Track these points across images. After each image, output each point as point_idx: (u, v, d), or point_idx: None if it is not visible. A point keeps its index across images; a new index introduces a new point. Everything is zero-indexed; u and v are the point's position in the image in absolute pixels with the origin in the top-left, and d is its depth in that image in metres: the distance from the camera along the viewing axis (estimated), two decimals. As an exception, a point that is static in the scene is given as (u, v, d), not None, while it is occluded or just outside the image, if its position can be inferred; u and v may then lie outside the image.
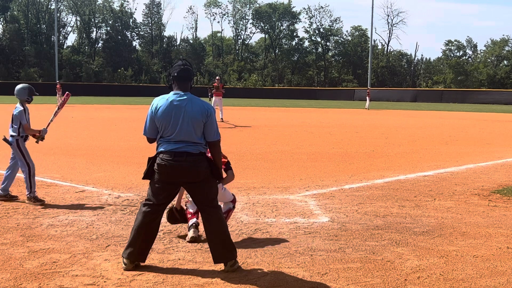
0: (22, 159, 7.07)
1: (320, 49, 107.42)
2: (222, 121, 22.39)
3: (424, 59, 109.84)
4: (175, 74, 4.58)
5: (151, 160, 4.58)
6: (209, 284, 4.23)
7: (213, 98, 23.94)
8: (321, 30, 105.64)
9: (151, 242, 4.63)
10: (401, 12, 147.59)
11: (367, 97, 44.07)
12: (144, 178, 4.67)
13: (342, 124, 24.62)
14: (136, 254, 4.50)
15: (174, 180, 4.56)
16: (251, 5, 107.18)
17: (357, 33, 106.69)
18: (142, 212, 4.58)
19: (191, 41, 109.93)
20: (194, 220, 5.46)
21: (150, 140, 4.69)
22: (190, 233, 5.37)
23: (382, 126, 23.15)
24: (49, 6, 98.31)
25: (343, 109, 42.94)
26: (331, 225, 6.10)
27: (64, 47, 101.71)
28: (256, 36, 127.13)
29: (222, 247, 4.50)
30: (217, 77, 24.99)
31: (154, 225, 4.61)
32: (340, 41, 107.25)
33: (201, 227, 5.79)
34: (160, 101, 4.57)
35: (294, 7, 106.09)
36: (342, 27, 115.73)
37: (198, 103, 4.54)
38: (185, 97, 4.54)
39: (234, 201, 5.72)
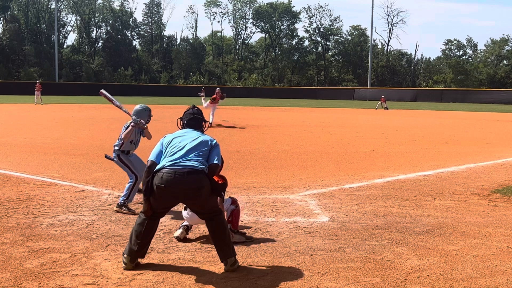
0: (128, 171, 6.79)
1: (320, 49, 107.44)
2: (211, 126, 21.79)
3: (424, 59, 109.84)
4: (185, 122, 5.08)
5: (150, 179, 4.53)
6: (209, 284, 4.23)
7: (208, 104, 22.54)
8: (321, 29, 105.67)
9: (150, 241, 4.69)
10: (401, 12, 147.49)
11: (382, 102, 43.70)
12: (145, 195, 4.60)
13: (342, 124, 24.62)
14: (136, 252, 4.55)
15: (174, 196, 4.57)
16: (251, 5, 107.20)
17: (356, 32, 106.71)
18: (143, 218, 4.63)
19: (191, 41, 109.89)
20: (186, 222, 5.49)
21: (152, 165, 4.64)
22: (177, 233, 5.44)
23: (382, 126, 23.15)
24: (49, 6, 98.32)
25: (343, 108, 42.94)
26: (331, 224, 6.10)
27: (64, 46, 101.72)
28: (256, 36, 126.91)
29: (226, 245, 4.59)
30: (217, 89, 24.12)
31: (153, 226, 4.68)
32: (340, 40, 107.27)
33: (196, 227, 5.79)
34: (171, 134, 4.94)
35: (294, 6, 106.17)
36: (342, 26, 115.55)
37: (205, 134, 4.98)
38: (195, 130, 4.99)
39: (233, 202, 5.67)
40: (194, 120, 5.05)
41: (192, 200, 4.60)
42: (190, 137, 4.80)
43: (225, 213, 5.49)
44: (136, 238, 4.56)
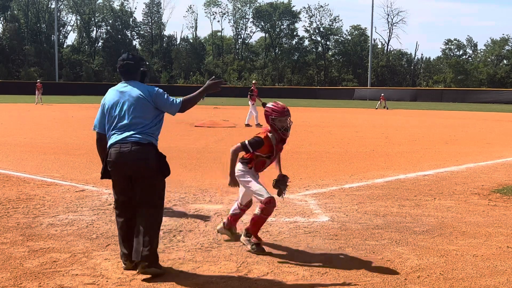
0: None
1: (320, 48, 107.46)
2: (260, 126, 20.71)
3: (424, 59, 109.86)
4: (118, 71, 4.60)
5: (105, 159, 4.48)
6: (209, 284, 4.23)
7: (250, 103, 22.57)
8: (321, 29, 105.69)
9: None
10: (401, 12, 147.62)
11: (382, 101, 43.74)
12: (102, 178, 4.54)
13: (342, 123, 24.62)
14: (128, 255, 4.45)
15: (124, 173, 4.39)
16: (251, 4, 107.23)
17: (356, 32, 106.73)
18: (117, 215, 4.60)
19: (191, 40, 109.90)
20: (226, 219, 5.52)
21: (100, 137, 4.55)
22: (219, 226, 5.56)
23: (382, 126, 23.15)
24: (49, 5, 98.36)
25: (343, 108, 42.94)
26: (331, 224, 6.10)
27: (64, 46, 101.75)
28: (256, 35, 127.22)
29: (138, 244, 4.30)
30: (254, 81, 25.11)
31: (130, 224, 4.49)
32: (340, 40, 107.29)
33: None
34: (108, 92, 4.61)
35: (294, 6, 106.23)
36: (342, 26, 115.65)
37: (141, 86, 4.50)
38: (129, 84, 4.52)
39: (267, 203, 4.99)
40: (125, 67, 4.52)
41: (140, 177, 4.33)
42: (128, 99, 4.39)
43: (254, 199, 5.25)
44: (123, 241, 4.51)
